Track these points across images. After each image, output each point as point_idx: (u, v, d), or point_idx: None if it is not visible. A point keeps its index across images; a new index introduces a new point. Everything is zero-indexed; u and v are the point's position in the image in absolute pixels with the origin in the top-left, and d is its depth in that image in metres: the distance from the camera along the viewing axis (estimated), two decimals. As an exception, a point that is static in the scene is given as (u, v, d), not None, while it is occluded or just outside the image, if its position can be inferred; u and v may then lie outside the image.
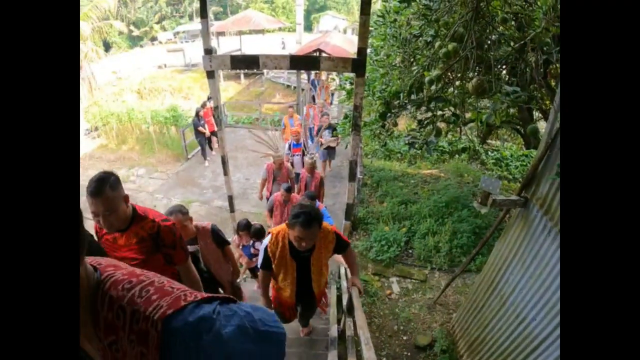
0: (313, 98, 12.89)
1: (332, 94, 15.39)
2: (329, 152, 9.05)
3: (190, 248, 3.58)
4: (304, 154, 7.02)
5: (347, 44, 16.91)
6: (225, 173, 5.02)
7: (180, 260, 2.43)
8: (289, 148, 7.42)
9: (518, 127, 8.49)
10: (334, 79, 15.47)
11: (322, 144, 7.98)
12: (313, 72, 13.62)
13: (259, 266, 2.94)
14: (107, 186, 2.00)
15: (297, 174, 6.77)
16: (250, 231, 4.87)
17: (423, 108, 3.84)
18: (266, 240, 2.77)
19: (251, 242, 4.95)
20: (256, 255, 4.82)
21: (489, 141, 11.66)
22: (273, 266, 2.79)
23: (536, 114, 7.42)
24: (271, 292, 3.21)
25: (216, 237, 3.58)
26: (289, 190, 4.98)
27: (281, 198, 5.05)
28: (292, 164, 7.09)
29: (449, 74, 3.52)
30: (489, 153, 10.90)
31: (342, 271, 5.02)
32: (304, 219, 2.34)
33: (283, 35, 26.15)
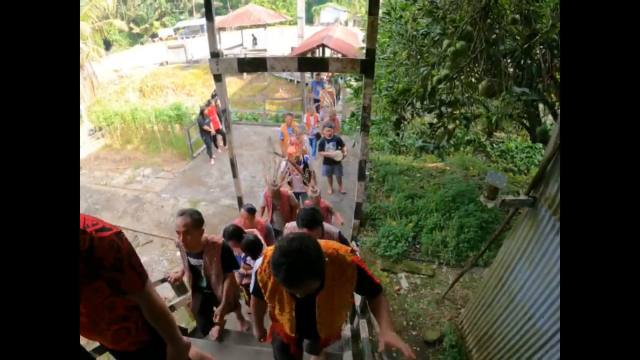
0: (317, 107, 11.75)
1: (338, 94, 14.45)
2: (335, 167, 7.84)
3: (192, 261, 3.32)
4: (305, 168, 6.28)
5: (349, 37, 16.83)
6: (235, 175, 5.05)
7: (133, 287, 1.64)
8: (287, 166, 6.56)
9: (523, 120, 8.46)
10: (337, 79, 14.99)
11: (325, 158, 7.42)
12: (314, 74, 12.95)
13: (250, 291, 2.30)
14: None
15: (297, 194, 6.37)
16: (241, 243, 3.93)
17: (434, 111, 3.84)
18: (257, 263, 2.11)
19: (242, 254, 4.19)
20: (247, 276, 4.25)
21: (494, 134, 11.62)
22: (265, 298, 2.13)
23: (542, 108, 7.40)
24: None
25: (225, 257, 3.24)
26: (251, 211, 4.56)
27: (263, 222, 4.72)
28: (290, 184, 6.54)
29: (457, 73, 3.52)
30: (494, 145, 10.87)
31: None
32: (285, 276, 1.59)
33: (254, 32, 25.65)
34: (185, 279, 3.64)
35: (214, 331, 3.91)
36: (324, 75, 13.99)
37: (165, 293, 5.25)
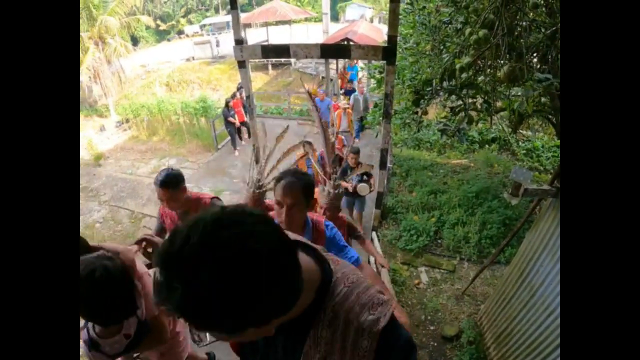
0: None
1: (360, 120, 10.59)
2: (356, 201, 6.34)
3: None
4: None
5: (374, 33, 16.72)
6: (257, 161, 5.09)
7: None
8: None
9: (550, 116, 8.23)
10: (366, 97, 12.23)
11: (347, 190, 5.64)
12: (321, 91, 10.56)
13: None
14: None
15: None
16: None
17: (453, 96, 3.80)
18: None
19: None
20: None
21: (520, 131, 11.37)
22: None
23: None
24: None
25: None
26: (169, 185, 2.77)
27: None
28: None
29: (480, 61, 3.47)
30: (520, 143, 10.63)
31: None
32: None
33: (217, 36, 25.40)
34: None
35: None
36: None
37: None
